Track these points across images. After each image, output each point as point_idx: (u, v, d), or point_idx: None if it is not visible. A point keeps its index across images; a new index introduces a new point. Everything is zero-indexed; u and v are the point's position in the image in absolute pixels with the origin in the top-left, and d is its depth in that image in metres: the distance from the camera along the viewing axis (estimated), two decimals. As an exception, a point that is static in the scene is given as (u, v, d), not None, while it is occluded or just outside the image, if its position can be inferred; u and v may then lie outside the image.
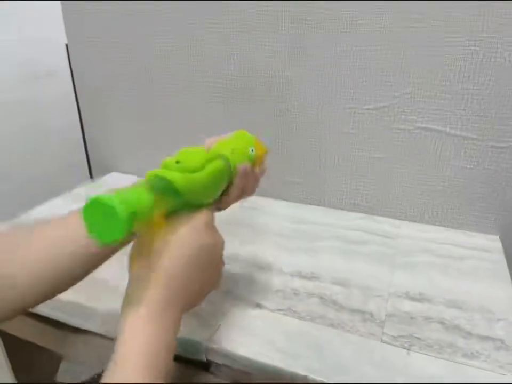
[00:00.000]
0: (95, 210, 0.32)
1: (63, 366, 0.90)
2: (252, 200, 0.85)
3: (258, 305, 0.55)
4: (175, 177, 0.37)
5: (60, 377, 0.89)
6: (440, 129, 0.69)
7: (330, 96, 0.74)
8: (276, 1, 0.70)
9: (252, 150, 0.49)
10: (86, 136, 1.01)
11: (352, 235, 0.73)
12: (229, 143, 0.48)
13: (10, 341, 0.73)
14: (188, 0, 0.76)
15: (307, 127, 0.78)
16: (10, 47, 0.81)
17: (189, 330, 0.50)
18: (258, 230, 0.74)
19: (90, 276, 0.60)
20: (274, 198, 0.86)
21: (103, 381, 0.31)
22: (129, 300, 0.35)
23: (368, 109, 0.72)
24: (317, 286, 0.59)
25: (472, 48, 0.63)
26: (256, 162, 0.50)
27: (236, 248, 0.68)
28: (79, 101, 0.97)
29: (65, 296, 0.56)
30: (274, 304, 0.55)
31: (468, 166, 0.70)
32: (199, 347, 0.49)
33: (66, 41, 0.91)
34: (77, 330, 0.57)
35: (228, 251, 0.66)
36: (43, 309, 0.57)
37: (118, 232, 0.31)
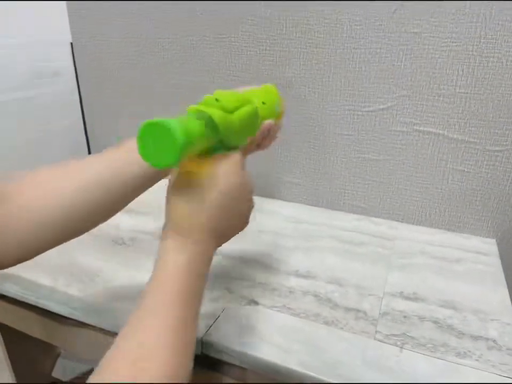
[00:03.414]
0: (151, 132, 0.31)
1: (60, 362, 0.91)
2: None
3: (255, 302, 0.55)
4: (216, 113, 0.37)
5: (55, 373, 0.89)
6: (438, 132, 0.70)
7: (330, 98, 0.75)
8: (277, 5, 0.71)
9: (277, 108, 0.51)
10: (88, 136, 1.02)
11: (350, 236, 0.73)
12: (259, 95, 0.49)
13: (10, 335, 0.74)
14: (190, 0, 0.77)
15: (306, 128, 0.79)
16: (14, 47, 0.83)
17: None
18: (257, 229, 0.74)
19: (92, 273, 0.61)
20: (273, 198, 0.87)
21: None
22: (171, 224, 0.36)
23: (367, 111, 0.73)
24: (313, 285, 0.59)
25: (470, 52, 0.63)
26: (278, 119, 0.52)
27: (234, 246, 0.69)
28: (83, 100, 0.98)
29: (70, 290, 0.57)
30: (271, 302, 0.56)
31: (465, 169, 0.71)
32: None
33: (71, 40, 0.92)
34: (80, 325, 0.57)
35: (226, 249, 0.67)
36: (47, 302, 0.58)
37: (172, 157, 0.31)
